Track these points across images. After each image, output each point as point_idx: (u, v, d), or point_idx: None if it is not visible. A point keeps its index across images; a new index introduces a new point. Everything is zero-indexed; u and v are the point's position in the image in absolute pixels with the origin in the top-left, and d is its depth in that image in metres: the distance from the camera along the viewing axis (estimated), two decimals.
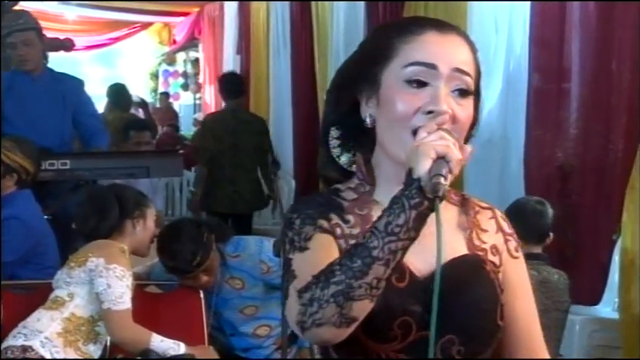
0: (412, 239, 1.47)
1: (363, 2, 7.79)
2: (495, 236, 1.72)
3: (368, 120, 1.66)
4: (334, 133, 1.74)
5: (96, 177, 4.23)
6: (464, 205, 1.73)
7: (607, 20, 4.81)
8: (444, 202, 1.56)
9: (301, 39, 9.32)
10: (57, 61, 5.12)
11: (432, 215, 1.49)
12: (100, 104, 13.50)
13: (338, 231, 1.62)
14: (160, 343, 3.57)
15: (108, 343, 3.69)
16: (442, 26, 1.65)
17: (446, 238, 1.52)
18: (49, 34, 5.84)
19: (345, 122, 1.72)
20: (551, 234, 3.89)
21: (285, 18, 9.92)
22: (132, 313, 3.55)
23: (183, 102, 16.75)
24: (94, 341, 3.60)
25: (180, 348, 3.61)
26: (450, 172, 1.45)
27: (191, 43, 15.52)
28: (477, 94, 1.65)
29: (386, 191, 1.61)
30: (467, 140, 1.64)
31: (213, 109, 13.89)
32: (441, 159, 1.45)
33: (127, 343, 3.63)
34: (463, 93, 1.60)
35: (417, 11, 6.71)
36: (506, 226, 1.75)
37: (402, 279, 1.57)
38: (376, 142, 1.67)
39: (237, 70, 11.88)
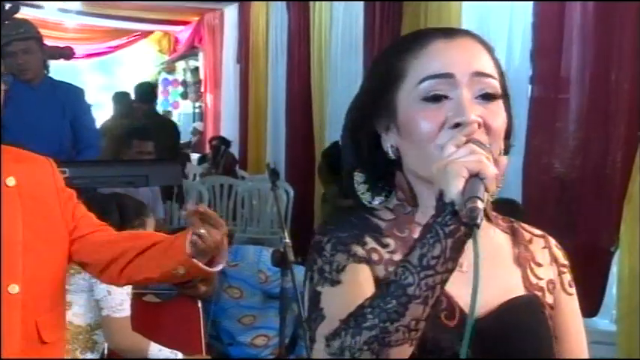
0: (450, 271, 1.30)
1: (361, 12, 7.82)
2: (550, 268, 1.55)
3: (390, 151, 1.50)
4: (359, 177, 1.56)
5: (94, 185, 4.21)
6: (514, 232, 1.57)
7: (606, 31, 4.81)
8: (492, 228, 1.48)
9: (299, 48, 9.38)
10: (56, 69, 5.12)
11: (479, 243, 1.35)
12: (100, 112, 13.57)
13: (375, 257, 1.45)
14: (157, 352, 3.57)
15: (105, 352, 3.69)
16: (449, 32, 1.50)
17: (499, 273, 1.43)
18: (48, 43, 5.83)
19: (369, 162, 1.54)
20: None
21: (284, 27, 9.97)
22: (130, 322, 3.55)
23: (182, 111, 16.76)
24: (92, 350, 3.60)
25: (178, 357, 3.61)
26: (487, 190, 1.28)
27: (191, 51, 15.54)
28: (505, 95, 1.49)
29: (425, 214, 1.44)
30: (507, 150, 1.50)
31: (213, 118, 13.94)
32: (475, 177, 1.29)
33: (125, 351, 3.63)
34: (489, 97, 1.44)
35: (416, 23, 6.73)
36: (561, 256, 1.58)
37: (451, 317, 1.40)
38: (403, 171, 1.52)
39: (237, 79, 11.94)
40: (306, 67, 9.10)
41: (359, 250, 1.43)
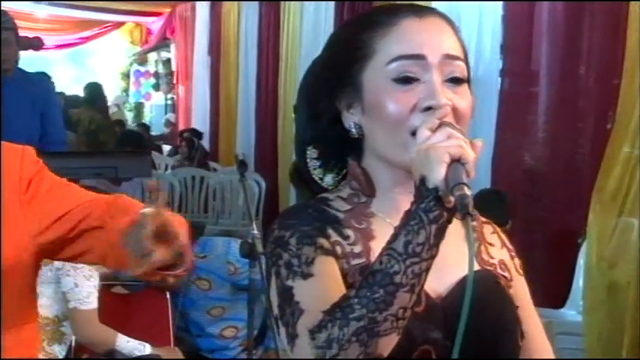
0: (433, 257, 1.28)
1: (332, 6, 7.82)
2: (501, 251, 1.55)
3: (354, 129, 1.45)
4: (312, 152, 1.52)
5: (64, 177, 4.20)
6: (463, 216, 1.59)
7: (575, 26, 4.85)
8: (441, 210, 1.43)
9: (269, 41, 9.40)
10: (27, 61, 5.08)
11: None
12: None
13: (338, 250, 1.40)
14: (125, 343, 3.56)
15: (73, 344, 3.67)
16: (420, 10, 1.45)
17: (452, 252, 1.39)
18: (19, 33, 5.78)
19: (324, 138, 1.51)
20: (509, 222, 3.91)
21: (256, 20, 9.97)
22: (98, 314, 3.54)
23: (154, 102, 16.71)
24: (59, 341, 3.59)
25: (146, 349, 3.60)
26: (468, 175, 1.26)
27: (163, 43, 15.49)
28: (470, 83, 1.46)
29: (383, 202, 1.46)
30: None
31: (184, 110, 13.91)
32: (456, 162, 1.27)
33: (92, 343, 3.61)
34: (458, 81, 1.41)
35: None
36: (508, 242, 1.58)
37: (418, 303, 1.34)
38: (364, 151, 1.48)
39: (208, 71, 11.93)
40: (276, 60, 9.12)
41: (325, 243, 1.39)
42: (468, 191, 1.23)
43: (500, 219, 3.99)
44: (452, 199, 1.25)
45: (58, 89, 5.68)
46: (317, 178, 1.53)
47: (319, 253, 1.37)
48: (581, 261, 4.58)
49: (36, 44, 5.37)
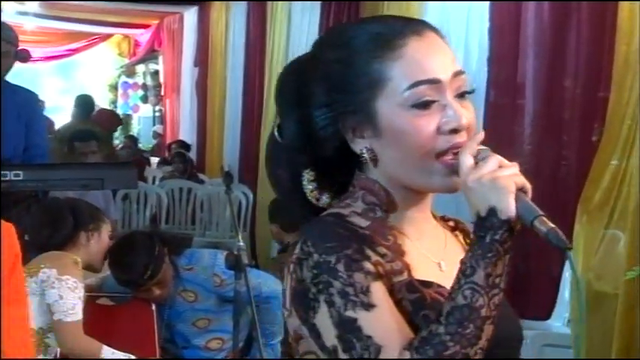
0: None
1: (318, 17, 7.86)
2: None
3: (366, 154, 1.45)
4: (310, 176, 1.52)
5: (48, 188, 4.18)
6: (457, 226, 1.60)
7: (561, 38, 4.86)
8: (438, 225, 1.51)
9: (256, 52, 9.43)
10: (14, 72, 5.06)
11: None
12: (59, 115, 13.47)
13: (380, 269, 1.38)
14: (110, 355, 3.55)
15: (57, 355, 3.66)
16: (416, 27, 1.45)
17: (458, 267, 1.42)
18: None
19: (325, 161, 1.50)
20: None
21: (243, 31, 9.99)
22: (83, 325, 3.53)
23: (142, 114, 16.69)
24: (44, 353, 3.57)
25: None
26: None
27: (151, 55, 15.48)
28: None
29: (399, 218, 1.46)
30: None
31: (171, 122, 13.90)
32: (519, 191, 1.31)
33: (77, 355, 3.60)
34: (464, 94, 1.43)
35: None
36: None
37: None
38: (369, 170, 1.47)
39: (194, 83, 11.94)
40: (262, 72, 9.13)
41: (370, 267, 1.37)
42: (551, 223, 1.28)
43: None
44: (518, 227, 1.30)
45: (45, 101, 5.69)
46: (314, 200, 1.53)
47: (370, 280, 1.36)
48: (567, 273, 4.59)
49: (23, 56, 5.35)
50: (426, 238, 1.43)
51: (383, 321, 1.34)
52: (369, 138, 1.44)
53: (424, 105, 1.39)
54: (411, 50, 1.41)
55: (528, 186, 1.32)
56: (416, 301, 1.37)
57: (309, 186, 1.52)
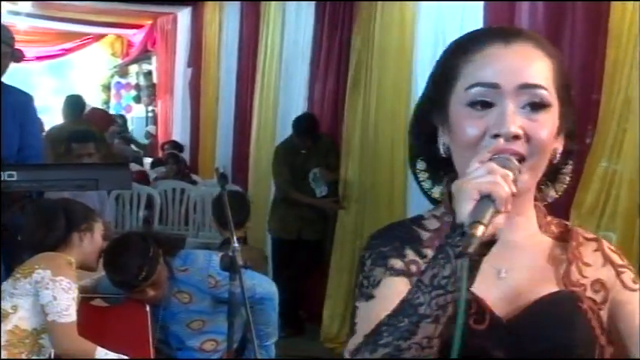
0: (466, 289, 1.31)
1: (312, 17, 7.86)
2: (601, 270, 1.54)
3: (442, 149, 1.52)
4: (421, 165, 1.60)
5: (43, 189, 4.18)
6: (564, 237, 1.57)
7: (554, 41, 4.88)
8: (538, 233, 1.52)
9: (250, 53, 9.44)
10: (8, 72, 5.05)
11: (518, 249, 1.47)
12: (51, 115, 13.44)
13: (413, 268, 1.47)
14: (104, 356, 3.55)
15: (52, 356, 3.66)
16: (508, 35, 1.48)
17: (529, 275, 1.46)
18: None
19: (428, 152, 1.57)
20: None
21: (236, 32, 9.99)
22: (77, 326, 3.53)
23: (135, 114, 16.68)
24: (38, 354, 3.57)
25: None
26: (499, 211, 1.30)
27: (144, 55, 15.48)
28: (565, 103, 1.49)
29: None
30: (570, 154, 1.54)
31: (164, 122, 13.89)
32: (486, 198, 1.30)
33: (71, 356, 3.60)
34: (536, 107, 1.44)
35: (367, 23, 6.78)
36: (617, 258, 1.56)
37: (481, 320, 1.43)
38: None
39: (187, 83, 11.95)
40: (256, 72, 9.14)
41: (397, 263, 1.47)
42: (479, 231, 1.26)
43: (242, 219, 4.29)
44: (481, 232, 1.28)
45: (38, 101, 5.67)
46: (426, 189, 1.60)
47: (388, 275, 1.46)
48: None
49: (16, 56, 5.34)
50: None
51: (373, 312, 1.41)
52: (446, 134, 1.52)
53: (478, 105, 1.44)
54: (488, 53, 1.46)
55: (499, 194, 1.30)
56: None
57: (420, 175, 1.61)
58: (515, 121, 1.41)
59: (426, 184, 1.60)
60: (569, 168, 1.59)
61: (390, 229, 1.55)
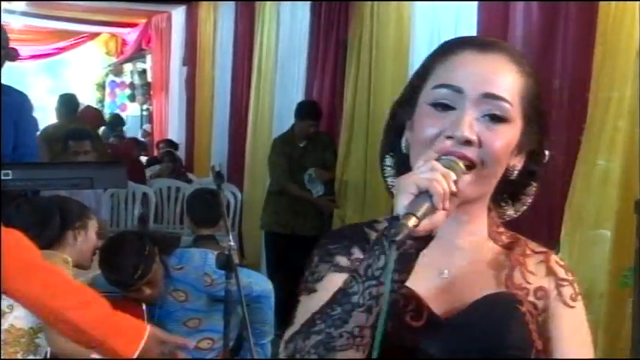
0: (400, 281, 1.34)
1: (307, 17, 7.87)
2: (544, 279, 1.54)
3: (403, 145, 1.54)
4: (388, 161, 1.61)
5: (38, 187, 4.18)
6: (511, 246, 1.58)
7: (548, 39, 4.89)
8: (488, 242, 1.53)
9: (245, 51, 9.43)
10: (2, 71, 5.06)
11: (460, 254, 1.49)
12: (45, 114, 13.43)
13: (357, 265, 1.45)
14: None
15: (48, 355, 3.66)
16: (486, 45, 1.50)
17: (470, 277, 1.48)
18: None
19: (395, 150, 1.58)
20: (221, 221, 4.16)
21: (231, 30, 9.99)
22: None
23: (130, 113, 16.67)
24: (34, 353, 3.57)
25: None
26: (436, 207, 1.31)
27: (138, 54, 15.47)
28: (531, 122, 1.50)
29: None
30: (529, 182, 1.56)
31: (159, 121, 13.88)
32: (424, 193, 1.32)
33: (67, 355, 3.60)
34: (496, 119, 1.44)
35: (363, 22, 6.79)
36: (562, 272, 1.56)
37: (418, 317, 1.44)
38: None
39: (183, 82, 11.93)
40: (251, 71, 9.14)
41: (343, 260, 1.49)
42: (411, 222, 1.28)
43: (213, 217, 4.47)
44: (418, 228, 1.30)
45: (32, 100, 5.69)
46: (391, 185, 1.60)
47: (332, 271, 1.48)
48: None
49: (11, 55, 5.34)
50: (436, 245, 1.38)
51: (312, 305, 1.42)
52: (409, 130, 1.53)
53: (440, 106, 1.45)
54: (461, 58, 1.48)
55: (436, 190, 1.31)
56: None
57: (387, 171, 1.62)
58: (473, 126, 1.42)
59: (391, 181, 1.61)
60: (532, 189, 1.60)
61: (340, 230, 1.59)
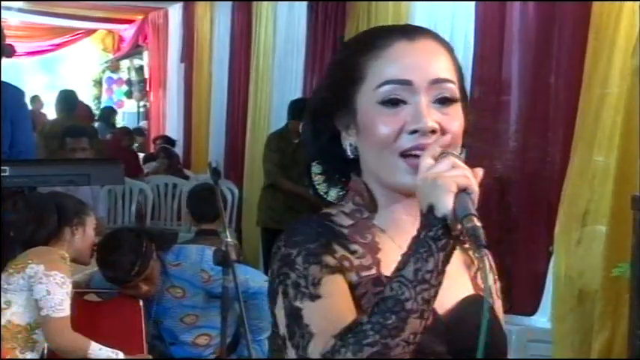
0: (441, 283, 1.34)
1: (304, 12, 7.87)
2: (490, 275, 1.47)
3: (349, 150, 1.51)
4: (316, 169, 1.57)
5: (35, 184, 4.19)
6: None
7: (546, 36, 4.90)
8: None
9: (242, 48, 9.42)
10: None
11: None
12: (43, 111, 13.42)
13: (346, 264, 1.44)
14: (98, 351, 3.55)
15: (45, 351, 3.66)
16: (412, 33, 1.48)
17: (453, 276, 1.43)
18: None
19: (327, 155, 1.55)
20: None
21: (228, 27, 9.98)
22: (71, 321, 3.53)
23: (126, 109, 16.66)
24: (32, 349, 3.57)
25: (119, 356, 3.60)
26: (473, 204, 1.31)
27: (135, 50, 15.46)
28: (464, 98, 1.50)
29: (384, 217, 1.50)
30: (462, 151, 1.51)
31: (156, 117, 13.87)
32: (463, 192, 1.31)
33: (65, 351, 3.61)
34: (446, 101, 1.44)
35: (360, 21, 6.79)
36: (494, 266, 1.53)
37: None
38: (362, 170, 1.52)
39: (181, 78, 11.93)
40: (248, 67, 9.15)
41: (330, 260, 1.42)
42: (478, 222, 1.28)
43: (213, 213, 4.46)
44: (459, 227, 1.30)
45: (28, 96, 5.71)
46: (322, 193, 1.58)
47: (325, 273, 1.40)
48: (552, 269, 4.62)
49: (7, 51, 5.34)
50: (409, 239, 1.38)
51: (325, 311, 1.37)
52: (354, 135, 1.50)
53: (391, 103, 1.43)
54: (394, 51, 1.45)
55: (474, 188, 1.32)
56: (378, 294, 1.37)
57: (316, 178, 1.58)
58: (431, 115, 1.42)
59: (322, 188, 1.58)
60: None
61: (307, 226, 1.47)
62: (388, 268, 1.41)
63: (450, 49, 1.50)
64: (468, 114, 1.50)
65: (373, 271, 1.44)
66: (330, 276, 1.40)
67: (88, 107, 13.73)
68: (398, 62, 1.44)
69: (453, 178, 1.32)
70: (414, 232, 1.38)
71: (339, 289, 1.40)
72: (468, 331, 1.40)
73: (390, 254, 1.44)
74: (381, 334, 1.30)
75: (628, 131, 4.04)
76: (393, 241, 1.47)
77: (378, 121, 1.44)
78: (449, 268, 1.36)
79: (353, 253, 1.45)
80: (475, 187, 1.32)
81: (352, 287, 1.42)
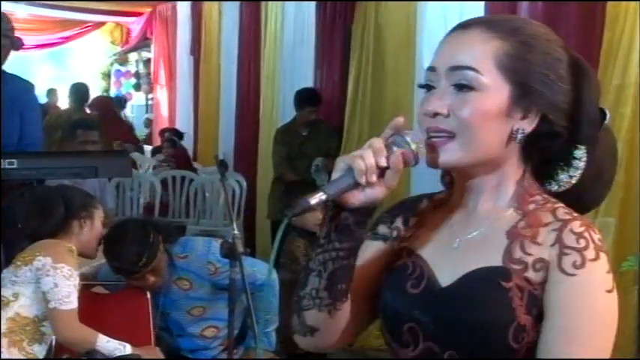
0: (345, 250, 1.49)
1: (313, 5, 7.84)
2: (548, 249, 1.47)
3: None
4: None
5: (43, 176, 4.19)
6: (532, 214, 1.52)
7: (553, 29, 4.87)
8: (508, 210, 1.54)
9: (250, 40, 9.40)
10: (7, 60, 5.05)
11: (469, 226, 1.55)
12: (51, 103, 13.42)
13: (394, 233, 1.64)
14: (105, 343, 3.56)
15: (53, 343, 3.67)
16: (464, 25, 1.55)
17: (480, 248, 1.51)
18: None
19: None
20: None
21: (237, 19, 9.96)
22: (78, 314, 3.54)
23: (135, 102, 16.67)
24: (39, 341, 3.58)
25: (126, 349, 3.61)
26: (359, 183, 1.42)
27: (143, 43, 15.45)
28: (522, 85, 1.48)
29: (455, 195, 1.61)
30: (511, 138, 1.49)
31: (165, 110, 13.87)
32: (350, 169, 1.43)
33: (72, 343, 3.61)
34: (462, 87, 1.48)
35: (367, 12, 6.78)
36: (572, 240, 1.46)
37: (417, 285, 1.55)
38: None
39: (190, 71, 11.91)
40: (257, 60, 9.12)
41: (382, 228, 1.65)
42: (314, 200, 1.41)
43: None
44: (353, 201, 1.45)
45: (38, 89, 5.70)
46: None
47: (369, 237, 1.63)
48: None
49: (16, 44, 5.33)
50: (461, 213, 1.57)
51: None
52: None
53: (425, 87, 1.55)
54: (444, 40, 1.56)
55: (356, 166, 1.41)
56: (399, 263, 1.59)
57: None
58: (443, 99, 1.49)
59: None
60: (581, 153, 1.55)
61: (405, 200, 1.70)
62: (424, 242, 1.59)
63: (502, 36, 1.50)
64: (538, 98, 1.49)
65: (405, 243, 1.61)
66: (371, 241, 1.63)
67: (109, 99, 13.78)
68: (436, 51, 1.55)
69: (346, 157, 1.44)
70: (468, 205, 1.57)
71: (367, 253, 1.61)
72: (460, 304, 1.47)
73: (437, 231, 1.59)
74: (299, 286, 1.55)
75: (637, 122, 4.03)
76: (449, 218, 1.60)
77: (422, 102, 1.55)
78: (475, 239, 1.51)
79: (406, 224, 1.64)
80: (357, 166, 1.41)
81: (392, 255, 1.61)
